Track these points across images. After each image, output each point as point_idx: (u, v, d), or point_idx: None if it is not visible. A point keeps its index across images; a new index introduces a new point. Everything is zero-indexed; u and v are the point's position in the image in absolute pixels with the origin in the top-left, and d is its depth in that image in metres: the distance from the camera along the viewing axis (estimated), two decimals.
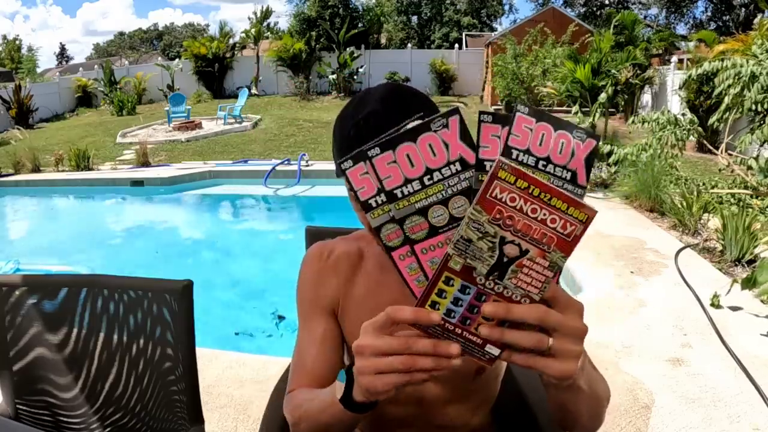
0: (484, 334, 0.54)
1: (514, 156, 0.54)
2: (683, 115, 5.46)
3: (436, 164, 0.54)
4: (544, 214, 0.50)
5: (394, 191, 0.55)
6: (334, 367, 0.90)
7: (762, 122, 4.31)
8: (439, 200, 0.55)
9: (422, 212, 0.55)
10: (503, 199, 0.49)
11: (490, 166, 0.52)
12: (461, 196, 0.55)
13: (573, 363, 0.56)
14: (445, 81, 19.44)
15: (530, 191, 0.49)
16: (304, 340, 0.94)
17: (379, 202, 0.55)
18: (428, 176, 0.54)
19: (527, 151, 0.54)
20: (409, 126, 0.55)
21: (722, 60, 4.42)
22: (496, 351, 0.56)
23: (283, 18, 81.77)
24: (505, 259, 0.51)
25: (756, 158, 4.21)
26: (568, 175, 0.55)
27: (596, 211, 0.50)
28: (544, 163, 0.54)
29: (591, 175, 0.57)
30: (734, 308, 3.08)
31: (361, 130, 0.76)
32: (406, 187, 0.54)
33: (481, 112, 0.55)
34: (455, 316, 0.55)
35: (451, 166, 0.54)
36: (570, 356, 0.55)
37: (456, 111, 0.55)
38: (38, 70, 25.61)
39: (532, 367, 0.55)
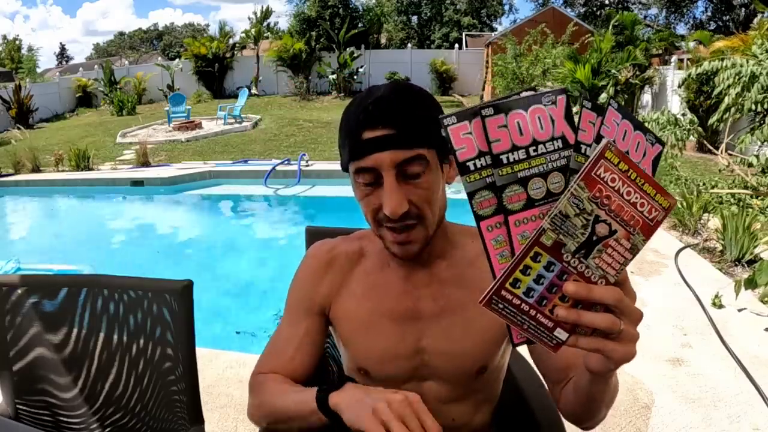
0: (562, 316, 0.55)
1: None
2: (683, 115, 5.46)
3: (542, 137, 0.54)
4: (636, 198, 0.52)
5: (501, 156, 0.54)
6: (308, 364, 0.94)
7: (762, 122, 4.31)
8: (539, 173, 0.54)
9: (523, 182, 0.54)
10: (605, 179, 0.51)
11: (585, 149, 0.54)
12: (558, 172, 0.55)
13: (634, 347, 0.58)
14: (445, 81, 19.44)
15: (628, 174, 0.51)
16: (286, 330, 0.96)
17: (479, 165, 0.55)
18: (533, 147, 0.54)
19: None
20: (522, 95, 0.54)
21: (722, 59, 4.42)
22: (564, 335, 0.56)
23: (283, 18, 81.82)
24: (594, 238, 0.52)
25: (757, 156, 4.21)
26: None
27: (676, 201, 0.53)
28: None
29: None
30: (734, 308, 3.08)
31: (370, 114, 0.77)
32: (513, 154, 0.54)
33: (585, 99, 0.56)
34: (533, 296, 0.54)
35: (554, 142, 0.54)
36: (633, 340, 0.58)
37: (564, 90, 0.55)
38: (38, 70, 25.61)
39: (600, 351, 0.56)
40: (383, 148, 0.76)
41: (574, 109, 0.55)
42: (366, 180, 0.79)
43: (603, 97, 7.65)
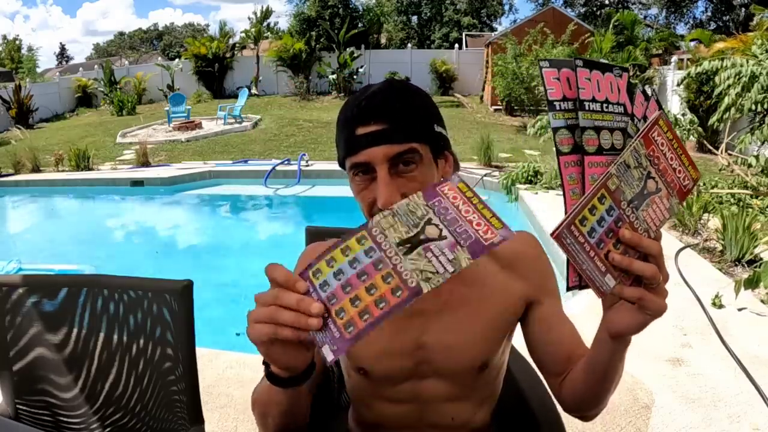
0: (617, 260, 0.59)
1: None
2: (683, 115, 5.46)
3: (613, 99, 0.62)
4: (676, 165, 0.60)
5: (585, 102, 0.61)
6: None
7: (762, 122, 4.31)
8: (608, 127, 0.62)
9: (597, 130, 0.61)
10: (657, 142, 0.60)
11: (637, 122, 0.64)
12: (619, 132, 0.63)
13: (665, 301, 0.62)
14: (445, 81, 19.44)
15: (672, 143, 0.60)
16: None
17: (563, 107, 0.61)
18: (606, 104, 0.62)
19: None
20: (602, 61, 0.63)
21: (722, 59, 4.42)
22: (612, 282, 0.60)
23: (283, 18, 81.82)
24: (645, 192, 0.60)
25: (756, 157, 4.21)
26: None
27: (701, 174, 0.60)
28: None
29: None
30: (734, 308, 3.08)
31: (363, 110, 0.78)
32: (593, 104, 0.61)
33: (638, 83, 0.61)
34: (594, 237, 0.59)
35: (619, 106, 0.63)
36: (665, 295, 0.63)
37: (627, 69, 0.64)
38: (38, 70, 25.62)
39: (641, 299, 0.61)
40: (376, 143, 0.77)
41: None
42: (361, 175, 0.80)
43: None
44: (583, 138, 0.61)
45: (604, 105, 0.61)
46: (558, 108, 0.61)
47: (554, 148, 0.62)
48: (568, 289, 0.63)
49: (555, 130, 0.61)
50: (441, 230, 0.58)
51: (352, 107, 0.80)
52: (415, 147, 0.78)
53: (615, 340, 0.69)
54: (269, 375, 0.70)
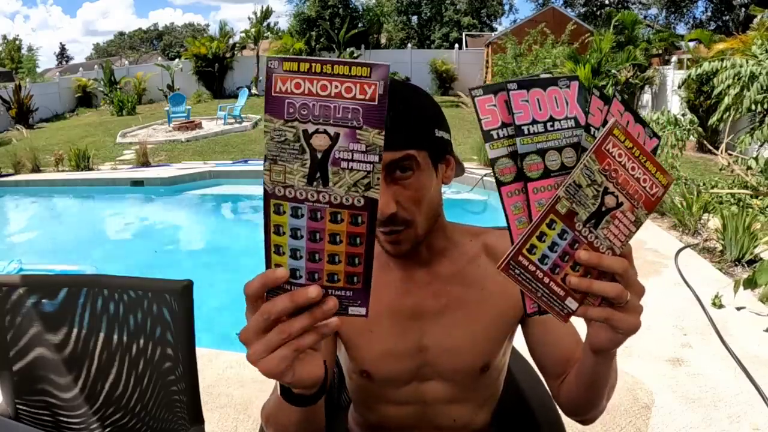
0: (574, 283, 0.57)
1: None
2: (683, 115, 5.46)
3: (558, 115, 0.58)
4: (639, 174, 0.56)
5: (523, 127, 0.57)
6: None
7: (762, 122, 4.31)
8: (555, 147, 0.58)
9: (541, 153, 0.58)
10: (613, 154, 0.55)
11: (594, 131, 0.59)
12: (571, 148, 0.59)
13: (639, 318, 0.59)
14: (445, 81, 19.45)
15: (633, 151, 0.55)
16: None
17: (501, 135, 0.58)
18: (551, 123, 0.58)
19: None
20: (542, 76, 0.60)
21: (722, 60, 4.42)
22: (574, 305, 0.59)
23: (283, 18, 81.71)
24: (603, 209, 0.56)
25: (756, 158, 4.21)
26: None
27: (674, 179, 0.55)
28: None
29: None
30: (734, 308, 3.08)
31: None
32: (533, 126, 0.58)
33: (594, 86, 0.60)
34: (547, 263, 0.57)
35: (568, 121, 0.59)
36: (638, 312, 0.59)
37: (576, 77, 0.60)
38: (38, 70, 25.62)
39: (609, 320, 0.58)
40: None
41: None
42: None
43: None
44: (525, 164, 0.58)
45: (548, 124, 0.58)
46: (496, 137, 0.58)
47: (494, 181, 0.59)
48: (528, 315, 0.61)
49: (494, 161, 0.59)
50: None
51: None
52: (411, 154, 0.76)
53: (596, 353, 0.68)
54: (288, 397, 0.63)
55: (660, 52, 13.29)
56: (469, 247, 0.92)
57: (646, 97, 12.48)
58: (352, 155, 0.49)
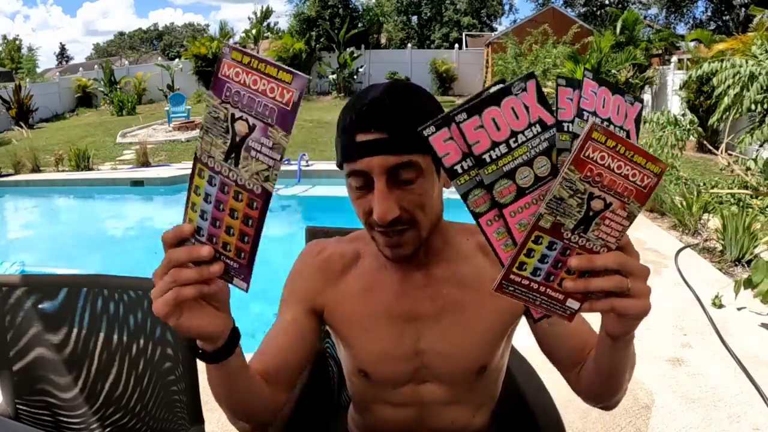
0: (570, 288, 0.57)
1: (584, 117, 0.57)
2: (683, 115, 5.46)
3: (520, 127, 0.56)
4: (627, 170, 0.53)
5: (483, 156, 0.56)
6: (284, 357, 0.88)
7: (762, 122, 4.31)
8: (524, 162, 0.56)
9: (510, 175, 0.56)
10: (594, 158, 0.52)
11: (568, 126, 0.57)
12: (543, 156, 0.56)
13: (648, 300, 0.60)
14: (445, 81, 19.45)
15: (617, 149, 0.53)
16: (274, 325, 0.93)
17: (465, 167, 0.57)
18: (513, 139, 0.56)
19: (594, 113, 0.57)
20: (492, 90, 0.56)
21: (721, 60, 4.42)
22: (576, 304, 0.59)
23: (283, 18, 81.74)
24: (591, 213, 0.55)
25: (755, 159, 4.21)
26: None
27: (667, 165, 0.54)
28: (607, 123, 0.58)
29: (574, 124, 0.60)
30: (734, 308, 3.07)
31: (362, 117, 0.75)
32: (494, 151, 0.56)
33: (558, 77, 0.58)
34: (540, 274, 0.57)
35: (533, 128, 0.56)
36: (645, 294, 0.59)
37: (532, 75, 0.56)
38: (38, 70, 25.60)
39: (616, 309, 0.58)
40: (374, 153, 0.74)
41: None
42: (358, 183, 0.78)
43: None
44: (495, 192, 0.56)
45: (511, 141, 0.55)
46: (461, 171, 0.56)
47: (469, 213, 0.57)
48: (535, 321, 0.62)
49: (464, 195, 0.57)
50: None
51: (353, 111, 0.77)
52: (414, 159, 0.75)
53: (614, 340, 0.68)
54: (198, 353, 0.69)
55: (660, 52, 13.30)
56: (465, 246, 0.92)
57: (646, 97, 12.48)
58: (261, 147, 0.55)
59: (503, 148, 0.55)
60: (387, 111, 0.75)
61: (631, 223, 0.56)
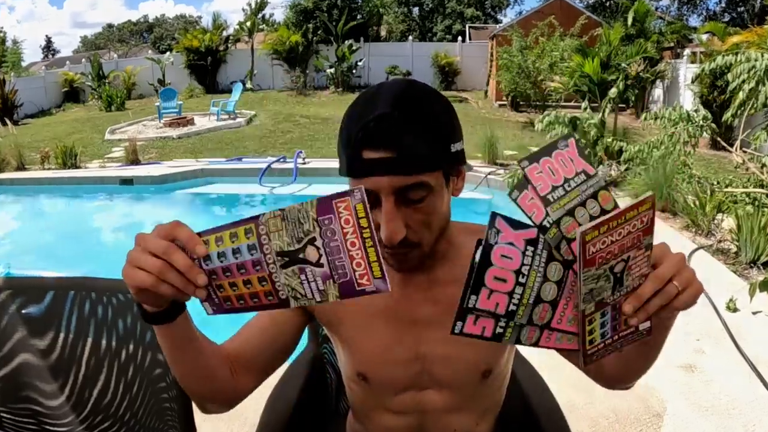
0: (637, 323, 0.66)
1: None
2: (696, 110, 5.46)
3: (570, 174, 0.64)
4: (627, 229, 0.61)
5: (547, 196, 0.64)
6: (257, 343, 0.89)
7: None
8: (579, 203, 0.65)
9: (570, 213, 0.64)
10: (597, 249, 0.60)
11: (548, 222, 0.64)
12: (592, 199, 0.65)
13: (697, 283, 0.66)
14: (448, 75, 19.45)
15: (611, 226, 0.60)
16: (257, 315, 0.94)
17: (556, 197, 0.64)
18: (567, 184, 0.64)
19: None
20: (543, 146, 0.66)
21: (736, 54, 4.42)
22: (647, 324, 0.68)
23: (278, 9, 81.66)
24: (618, 275, 0.64)
25: None
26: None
27: (653, 194, 0.63)
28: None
29: (601, 173, 0.65)
30: (749, 312, 3.08)
31: (370, 133, 0.73)
32: (554, 193, 0.64)
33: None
34: (608, 333, 0.67)
35: (579, 176, 0.65)
36: (691, 281, 0.65)
37: (571, 135, 0.67)
38: (23, 64, 25.63)
39: (678, 308, 0.66)
40: (382, 173, 0.73)
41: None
42: None
43: (613, 91, 7.62)
44: (562, 227, 0.64)
45: (566, 186, 0.64)
46: (552, 200, 0.64)
47: (577, 257, 0.61)
48: (587, 364, 0.69)
49: (557, 223, 0.64)
50: (320, 256, 0.60)
51: (359, 124, 0.74)
52: (424, 180, 0.75)
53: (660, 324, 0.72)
54: (141, 312, 0.71)
55: (672, 45, 13.30)
56: (470, 246, 0.92)
57: (658, 91, 12.49)
58: (313, 281, 0.61)
59: (561, 191, 0.64)
60: (397, 128, 0.73)
61: (651, 251, 0.64)
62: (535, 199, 0.64)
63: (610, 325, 0.66)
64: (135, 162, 9.05)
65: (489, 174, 7.16)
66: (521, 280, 0.63)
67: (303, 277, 0.61)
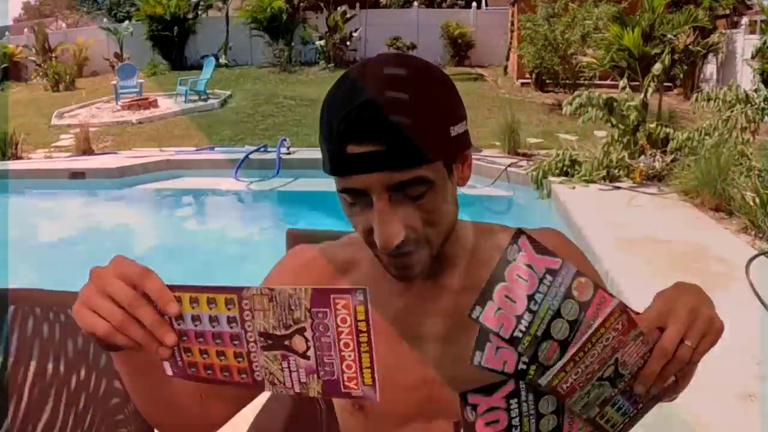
0: (657, 393, 0.70)
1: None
2: (756, 90, 5.47)
3: (532, 288, 0.65)
4: (602, 344, 0.65)
5: (514, 335, 0.66)
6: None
7: None
8: (552, 316, 0.66)
9: (546, 335, 0.66)
10: (572, 381, 0.66)
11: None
12: (567, 299, 0.66)
13: (716, 322, 0.68)
14: (460, 48, 19.45)
15: (578, 359, 0.65)
16: None
17: (524, 328, 0.66)
18: (532, 303, 0.65)
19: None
20: (493, 270, 0.66)
21: None
22: (672, 378, 0.71)
23: None
24: (612, 375, 0.67)
25: None
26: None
27: (619, 300, 0.65)
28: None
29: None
30: None
31: (353, 125, 0.73)
32: (521, 324, 0.66)
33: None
34: (629, 410, 0.70)
35: (544, 281, 0.65)
36: (708, 329, 0.67)
37: (520, 231, 0.66)
38: None
39: (697, 362, 0.68)
40: (371, 169, 0.73)
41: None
42: (352, 200, 0.78)
43: (657, 68, 7.60)
44: (540, 353, 0.67)
45: (531, 306, 0.67)
46: (521, 335, 0.67)
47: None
48: None
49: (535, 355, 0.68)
50: (308, 348, 0.62)
51: (339, 114, 0.74)
52: (422, 175, 0.75)
53: None
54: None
55: (728, 12, 13.29)
56: (483, 248, 0.92)
57: (710, 68, 12.49)
58: (294, 371, 0.64)
59: (528, 317, 0.65)
60: (382, 116, 0.72)
61: (641, 335, 0.66)
62: (503, 309, 0.66)
63: (628, 404, 0.70)
64: (87, 152, 9.06)
65: (509, 166, 7.16)
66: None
67: (285, 364, 0.64)
